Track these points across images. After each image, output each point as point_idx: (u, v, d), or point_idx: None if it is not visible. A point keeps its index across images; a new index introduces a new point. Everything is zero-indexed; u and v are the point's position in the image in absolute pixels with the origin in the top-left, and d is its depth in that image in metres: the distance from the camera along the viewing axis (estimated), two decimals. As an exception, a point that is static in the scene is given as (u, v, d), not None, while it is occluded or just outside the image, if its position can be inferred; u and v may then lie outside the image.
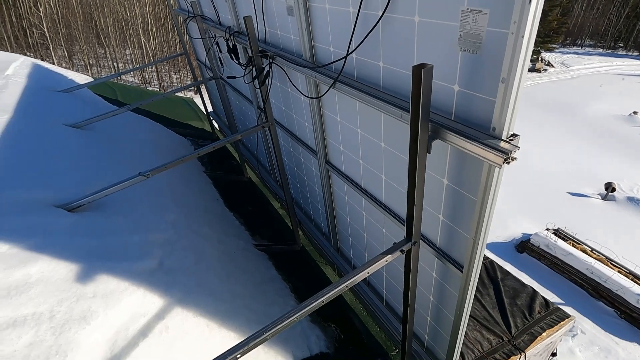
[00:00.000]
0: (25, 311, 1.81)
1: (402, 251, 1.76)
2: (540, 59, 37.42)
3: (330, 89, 2.15)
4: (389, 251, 1.75)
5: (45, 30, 28.70)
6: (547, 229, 11.85)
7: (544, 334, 4.11)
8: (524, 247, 11.93)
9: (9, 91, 3.98)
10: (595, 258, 10.46)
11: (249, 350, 1.49)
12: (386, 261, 1.74)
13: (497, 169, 1.33)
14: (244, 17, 2.57)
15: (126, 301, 2.10)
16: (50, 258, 2.08)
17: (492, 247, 12.26)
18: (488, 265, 5.19)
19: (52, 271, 2.03)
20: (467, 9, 1.23)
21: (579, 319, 9.52)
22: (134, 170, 2.80)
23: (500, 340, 4.01)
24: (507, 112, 1.22)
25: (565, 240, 11.30)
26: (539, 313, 4.43)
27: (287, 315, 1.55)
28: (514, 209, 14.17)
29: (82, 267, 2.13)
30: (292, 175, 4.02)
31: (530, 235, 12.04)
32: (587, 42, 50.01)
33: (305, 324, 2.96)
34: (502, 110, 1.23)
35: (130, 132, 4.51)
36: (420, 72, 1.23)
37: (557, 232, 11.86)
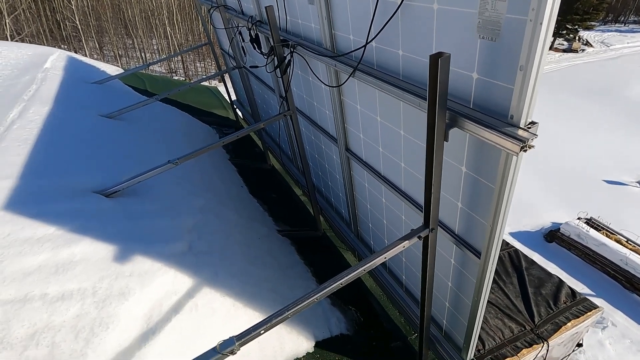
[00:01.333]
0: (71, 286, 2.00)
1: (419, 237, 1.80)
2: (577, 38, 35.18)
3: (350, 77, 2.18)
4: (407, 237, 1.80)
5: (77, 22, 29.79)
6: (578, 218, 11.39)
7: (568, 324, 4.04)
8: (554, 236, 11.55)
9: (48, 84, 4.23)
10: (630, 249, 9.99)
11: (272, 327, 1.60)
12: (403, 247, 1.78)
13: (514, 157, 1.33)
14: (265, 7, 2.61)
15: (159, 280, 2.27)
16: (91, 239, 2.27)
17: (519, 235, 11.95)
18: (512, 253, 5.10)
19: (93, 251, 2.21)
20: (487, -5, 1.23)
21: (610, 311, 9.21)
22: (164, 158, 2.96)
23: (523, 329, 3.98)
24: (525, 100, 1.22)
25: (599, 230, 10.83)
26: (565, 303, 4.34)
27: (307, 296, 1.64)
28: (544, 196, 13.68)
29: (119, 248, 2.31)
30: (313, 163, 4.08)
31: (561, 224, 11.62)
32: (632, 19, 46.36)
33: (326, 306, 3.06)
34: (520, 97, 1.23)
35: (159, 121, 4.70)
36: (437, 61, 1.25)
37: (590, 222, 11.38)
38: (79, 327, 1.86)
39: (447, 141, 1.48)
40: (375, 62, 2.05)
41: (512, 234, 12.05)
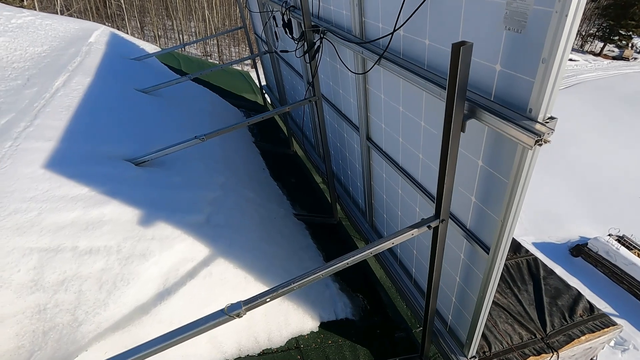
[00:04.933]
0: (99, 243, 2.16)
1: (429, 227, 1.82)
2: (630, 45, 32.96)
3: (376, 65, 2.19)
4: (417, 225, 1.82)
5: (122, 1, 30.88)
6: (609, 235, 10.86)
7: (582, 338, 3.93)
8: (580, 251, 11.08)
9: (91, 57, 4.48)
10: (663, 272, 9.46)
11: (277, 297, 1.68)
12: (412, 234, 1.81)
13: (530, 151, 1.32)
14: (299, -8, 2.65)
15: (178, 247, 2.41)
16: (119, 202, 2.43)
17: (543, 246, 11.55)
18: (531, 261, 4.97)
19: (120, 213, 2.37)
20: (516, -14, 1.22)
21: (633, 333, 8.79)
22: (191, 134, 3.09)
23: (533, 337, 3.90)
24: (545, 94, 1.21)
25: (630, 249, 10.30)
26: (581, 316, 4.21)
27: (313, 272, 1.71)
28: (573, 209, 13.11)
29: (143, 213, 2.46)
30: (335, 151, 4.13)
31: (589, 239, 11.12)
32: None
33: (334, 290, 3.13)
34: (540, 91, 1.22)
35: (190, 100, 4.88)
36: (459, 50, 1.26)
37: (621, 239, 10.82)
38: (103, 280, 2.02)
39: (463, 132, 1.49)
40: (402, 51, 2.06)
41: (536, 244, 11.66)
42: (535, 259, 5.08)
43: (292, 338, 2.57)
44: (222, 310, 1.62)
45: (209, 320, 1.59)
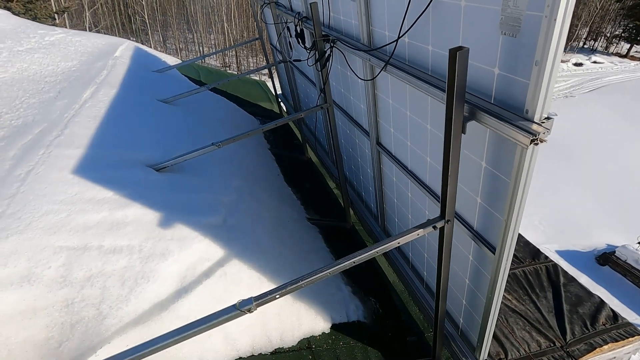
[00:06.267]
0: (122, 243, 2.30)
1: (434, 227, 1.86)
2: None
3: (383, 72, 2.27)
4: (422, 225, 1.87)
5: (146, 17, 32.27)
6: (638, 242, 10.39)
7: (605, 347, 3.80)
8: (607, 259, 10.65)
9: (117, 70, 4.74)
10: (698, 282, 8.96)
11: (286, 294, 1.76)
12: (418, 234, 1.86)
13: (527, 151, 1.36)
14: (310, 3, 2.77)
15: (195, 247, 2.52)
16: (141, 205, 2.58)
17: (567, 254, 11.16)
18: (550, 268, 4.86)
19: (142, 215, 2.51)
20: (510, -8, 1.28)
21: (666, 346, 8.32)
22: (209, 141, 3.24)
23: (552, 345, 3.81)
24: (539, 95, 1.25)
25: (661, 258, 9.82)
26: (604, 325, 4.08)
27: (321, 270, 1.77)
28: (600, 216, 12.63)
29: (163, 215, 2.60)
30: (347, 156, 4.20)
31: (617, 247, 10.68)
32: None
33: (347, 293, 3.18)
34: (535, 92, 1.26)
35: (208, 109, 5.08)
36: (456, 54, 1.32)
37: (652, 248, 10.33)
38: (126, 277, 2.15)
39: (464, 133, 1.54)
40: (407, 57, 2.13)
41: (560, 252, 11.29)
42: (555, 265, 4.96)
43: (304, 338, 2.63)
44: (234, 305, 1.71)
45: (221, 314, 1.68)
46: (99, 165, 2.79)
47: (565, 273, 4.86)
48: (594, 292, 4.65)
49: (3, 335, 1.71)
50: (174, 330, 1.66)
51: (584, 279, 9.98)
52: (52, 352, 1.79)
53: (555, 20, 1.10)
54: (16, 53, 4.73)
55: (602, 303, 4.37)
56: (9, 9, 12.10)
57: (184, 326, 1.67)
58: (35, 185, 2.40)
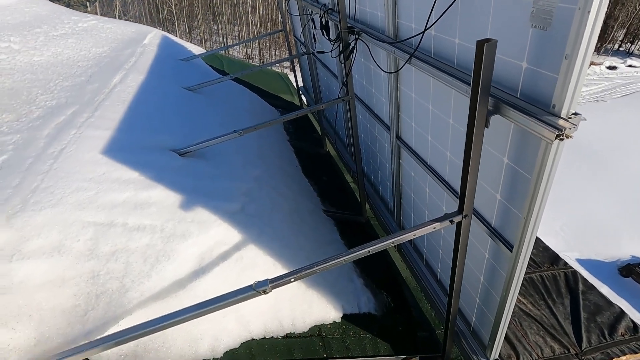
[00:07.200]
0: (145, 222, 2.39)
1: (451, 222, 1.86)
2: None
3: (407, 65, 2.26)
4: (440, 219, 1.86)
5: (173, 7, 32.85)
6: (666, 255, 9.96)
7: (622, 357, 3.69)
8: (631, 271, 10.25)
9: (145, 57, 4.88)
10: None
11: (300, 278, 1.80)
12: (434, 228, 1.86)
13: (552, 146, 1.34)
14: (336, -5, 2.77)
15: (214, 231, 2.60)
16: (164, 187, 2.67)
17: (588, 264, 10.80)
18: (569, 274, 4.73)
19: (165, 197, 2.61)
20: (543, -16, 1.25)
21: (690, 365, 7.98)
22: (231, 129, 3.31)
23: (566, 352, 3.72)
24: (568, 90, 1.23)
25: (690, 272, 9.38)
26: (622, 335, 3.96)
27: (336, 257, 1.80)
28: (627, 225, 12.12)
29: (185, 198, 2.68)
30: (366, 150, 4.20)
31: (642, 258, 10.27)
32: None
33: (359, 285, 3.20)
34: (564, 87, 1.24)
35: (231, 98, 5.16)
36: (483, 46, 1.31)
37: (680, 261, 9.88)
38: (148, 254, 2.24)
39: (487, 127, 1.52)
40: (433, 50, 2.11)
41: (580, 261, 10.94)
42: (575, 272, 4.83)
43: (314, 325, 2.68)
44: (250, 285, 1.76)
45: (238, 294, 1.74)
46: (125, 147, 2.90)
47: (585, 281, 4.73)
48: (610, 300, 4.51)
49: (36, 300, 1.83)
50: (192, 305, 1.73)
51: (604, 290, 9.65)
52: (78, 320, 1.89)
53: (589, 12, 1.08)
54: (51, 38, 4.93)
55: (622, 313, 4.23)
56: (44, -5, 12.55)
57: (201, 302, 1.74)
58: (66, 163, 2.52)
